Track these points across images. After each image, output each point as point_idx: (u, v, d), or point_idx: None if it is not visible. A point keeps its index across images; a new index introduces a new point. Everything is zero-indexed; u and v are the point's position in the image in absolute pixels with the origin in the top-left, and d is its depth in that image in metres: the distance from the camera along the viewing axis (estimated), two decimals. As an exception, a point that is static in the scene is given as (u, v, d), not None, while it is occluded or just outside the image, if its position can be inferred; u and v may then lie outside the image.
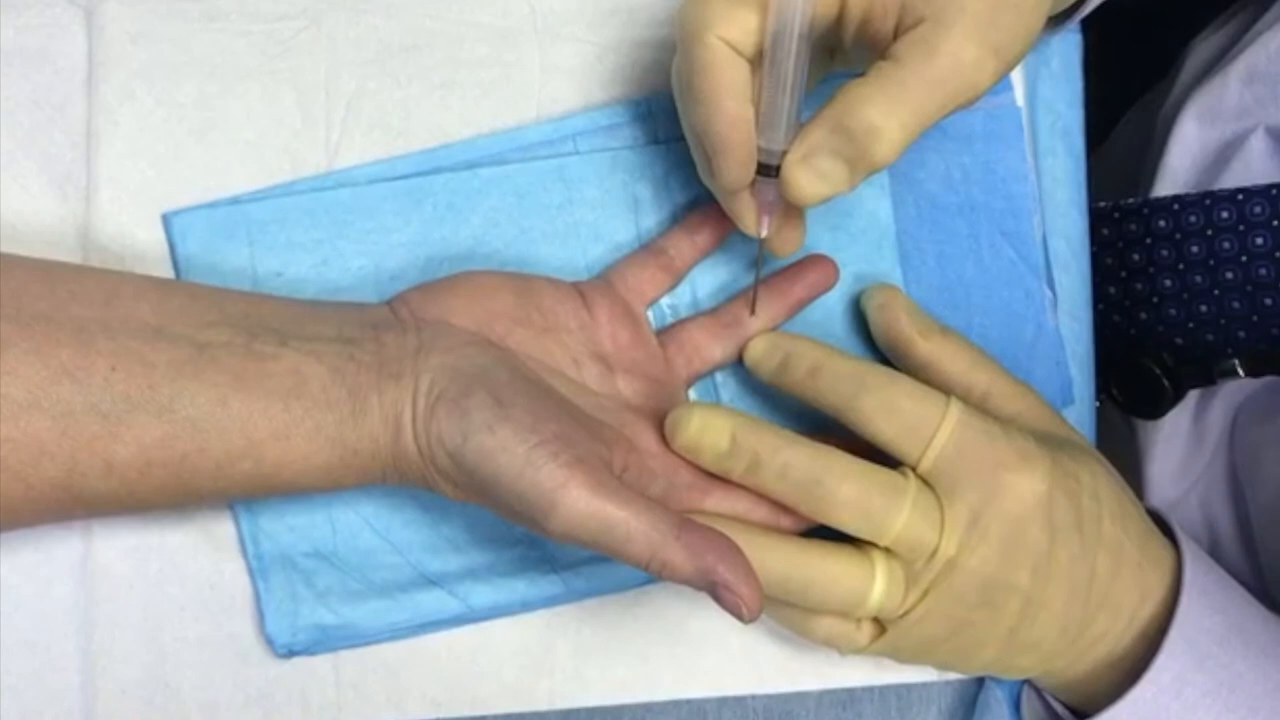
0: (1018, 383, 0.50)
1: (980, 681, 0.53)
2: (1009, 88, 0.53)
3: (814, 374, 0.46)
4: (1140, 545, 0.47)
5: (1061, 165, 0.53)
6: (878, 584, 0.44)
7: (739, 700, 0.53)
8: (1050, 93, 0.53)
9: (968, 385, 0.49)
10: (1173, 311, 0.60)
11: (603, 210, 0.51)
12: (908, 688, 0.53)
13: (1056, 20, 0.53)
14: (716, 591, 0.40)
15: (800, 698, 0.53)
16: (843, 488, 0.43)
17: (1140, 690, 0.46)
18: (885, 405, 0.44)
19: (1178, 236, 0.59)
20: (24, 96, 0.48)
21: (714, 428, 0.44)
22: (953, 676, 0.53)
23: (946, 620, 0.45)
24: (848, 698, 0.53)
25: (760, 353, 0.48)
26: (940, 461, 0.44)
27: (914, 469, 0.45)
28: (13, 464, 0.38)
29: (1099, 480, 0.47)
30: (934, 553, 0.44)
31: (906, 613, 0.45)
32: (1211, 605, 0.47)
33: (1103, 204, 0.61)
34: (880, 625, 0.47)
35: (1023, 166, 0.53)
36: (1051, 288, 0.53)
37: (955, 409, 0.45)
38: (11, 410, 0.38)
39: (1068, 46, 0.53)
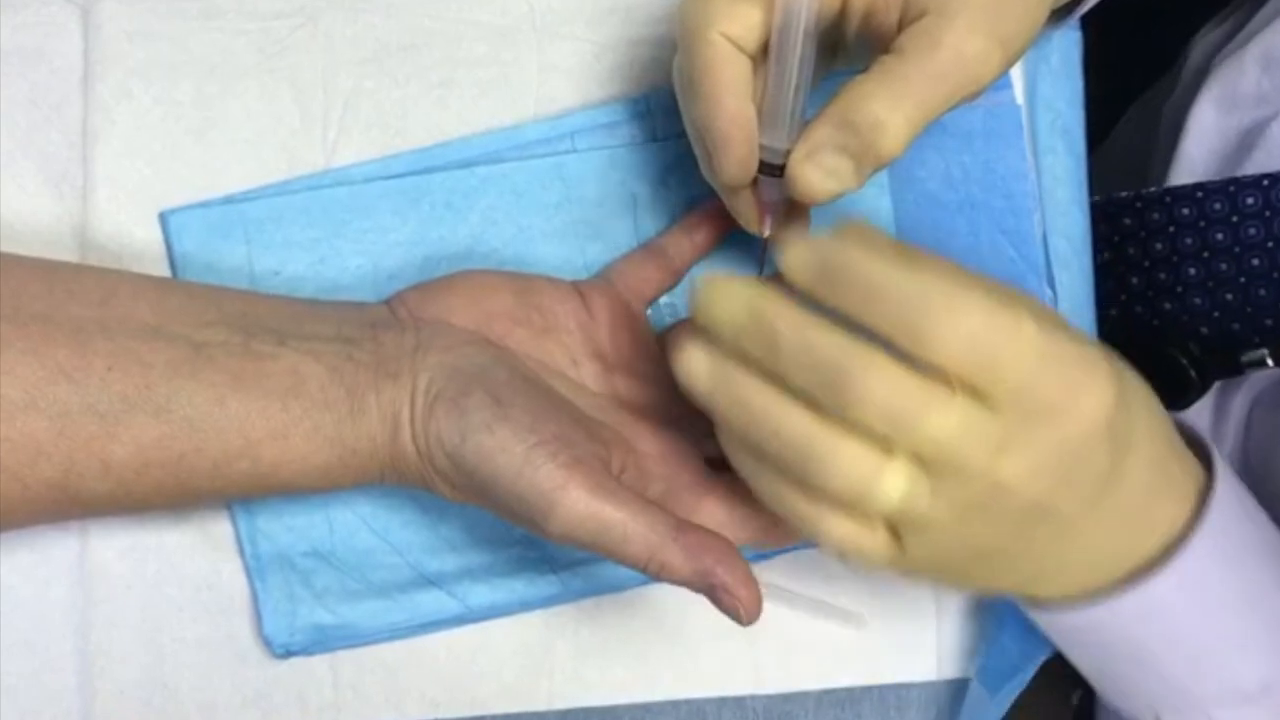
0: (1010, 288, 0.42)
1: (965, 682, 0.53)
2: (1008, 85, 0.53)
3: (868, 292, 0.38)
4: (1176, 457, 0.44)
5: (1062, 163, 0.53)
6: (893, 472, 0.38)
7: (738, 700, 0.53)
8: (1050, 91, 0.53)
9: None
10: (1198, 300, 0.59)
11: (601, 209, 0.51)
12: (906, 687, 0.53)
13: (1058, 15, 0.53)
14: (714, 593, 0.40)
15: (799, 698, 0.53)
16: (873, 381, 0.37)
17: (1156, 583, 0.42)
18: (955, 326, 0.37)
19: (1202, 224, 0.58)
20: (20, 95, 0.48)
21: (732, 295, 0.39)
22: (950, 676, 0.53)
23: (976, 540, 0.40)
24: (846, 698, 0.53)
25: (799, 261, 0.39)
26: (1001, 382, 0.37)
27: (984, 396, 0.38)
28: (9, 464, 0.38)
29: (1141, 391, 0.43)
30: (975, 466, 0.38)
31: (930, 523, 0.39)
32: (1244, 514, 0.45)
33: (1125, 193, 0.61)
34: (898, 539, 0.40)
35: (1022, 165, 0.53)
36: (1052, 286, 0.53)
37: (1028, 329, 0.37)
38: (8, 410, 0.38)
39: (1067, 44, 0.53)
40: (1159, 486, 0.43)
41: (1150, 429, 0.42)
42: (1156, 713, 0.48)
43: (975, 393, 0.38)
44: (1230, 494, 0.45)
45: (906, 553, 0.40)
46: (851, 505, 0.39)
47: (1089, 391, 0.38)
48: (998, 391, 0.37)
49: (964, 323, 0.37)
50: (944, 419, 0.37)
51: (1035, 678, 0.54)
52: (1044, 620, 0.48)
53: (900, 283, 0.38)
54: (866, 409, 0.37)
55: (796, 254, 0.39)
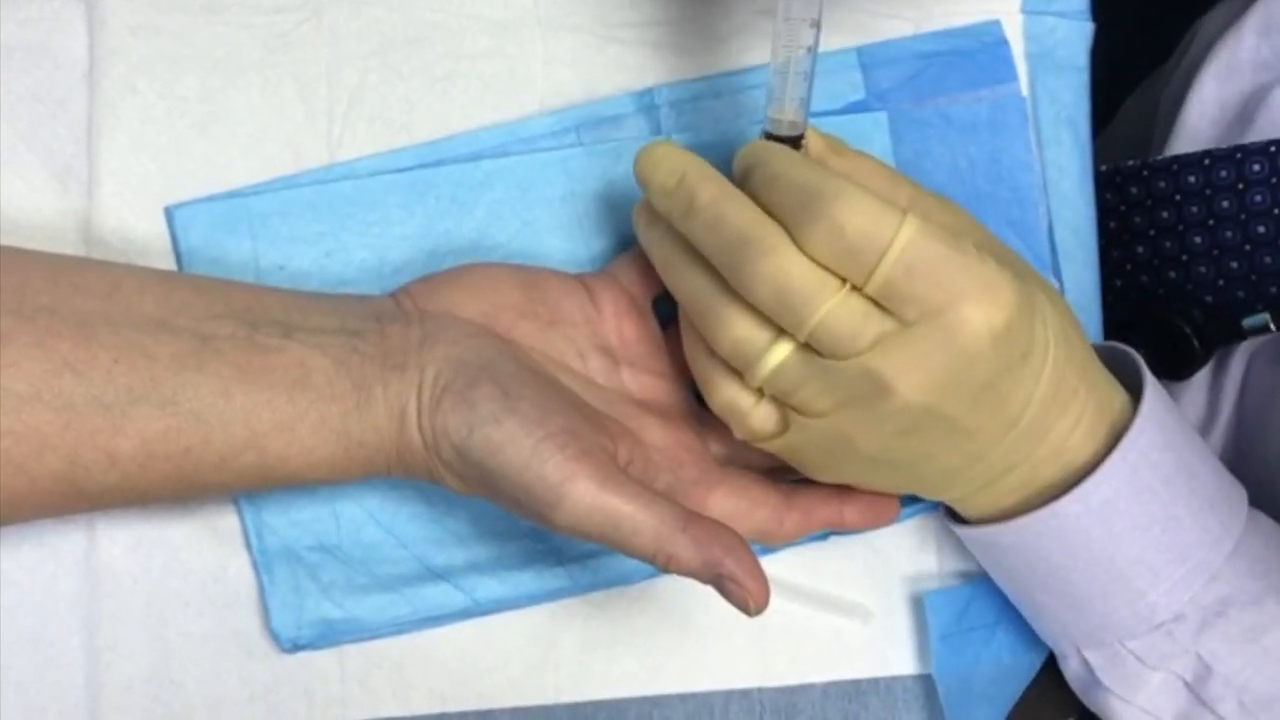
0: (944, 201, 0.47)
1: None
2: (1014, 78, 0.53)
3: (772, 180, 0.41)
4: (1081, 372, 0.44)
5: (1067, 155, 0.53)
6: (779, 349, 0.41)
7: (745, 693, 0.52)
8: (1055, 82, 0.53)
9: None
10: (1203, 269, 0.59)
11: (607, 202, 0.51)
12: (914, 679, 0.53)
13: None
14: (722, 585, 0.40)
15: (806, 690, 0.53)
16: (768, 259, 0.40)
17: (1065, 504, 0.44)
18: (831, 220, 0.39)
19: (1208, 192, 0.58)
20: (25, 91, 0.47)
21: (666, 159, 0.43)
22: (959, 669, 0.53)
23: (862, 438, 0.42)
24: (853, 690, 0.53)
25: (740, 156, 0.44)
26: (888, 285, 0.39)
27: (860, 290, 0.40)
28: (15, 457, 0.38)
29: (1053, 305, 0.44)
30: (857, 362, 0.40)
31: (807, 406, 0.42)
32: (1164, 442, 0.45)
33: (1131, 162, 0.61)
34: (783, 417, 0.43)
35: (1028, 156, 0.53)
36: (1058, 277, 0.53)
37: (909, 228, 0.39)
38: (13, 403, 0.38)
39: (1074, 35, 0.53)
40: (1061, 405, 0.43)
41: (1059, 350, 0.43)
42: (1075, 644, 0.48)
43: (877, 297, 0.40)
44: (1154, 423, 0.45)
45: (794, 434, 0.43)
46: (739, 368, 0.43)
47: (976, 301, 0.39)
48: (873, 288, 0.39)
49: (843, 215, 0.39)
50: (834, 311, 0.39)
51: (1038, 677, 0.54)
52: (964, 536, 0.49)
53: (798, 173, 0.41)
54: (757, 286, 0.40)
55: (741, 152, 0.44)
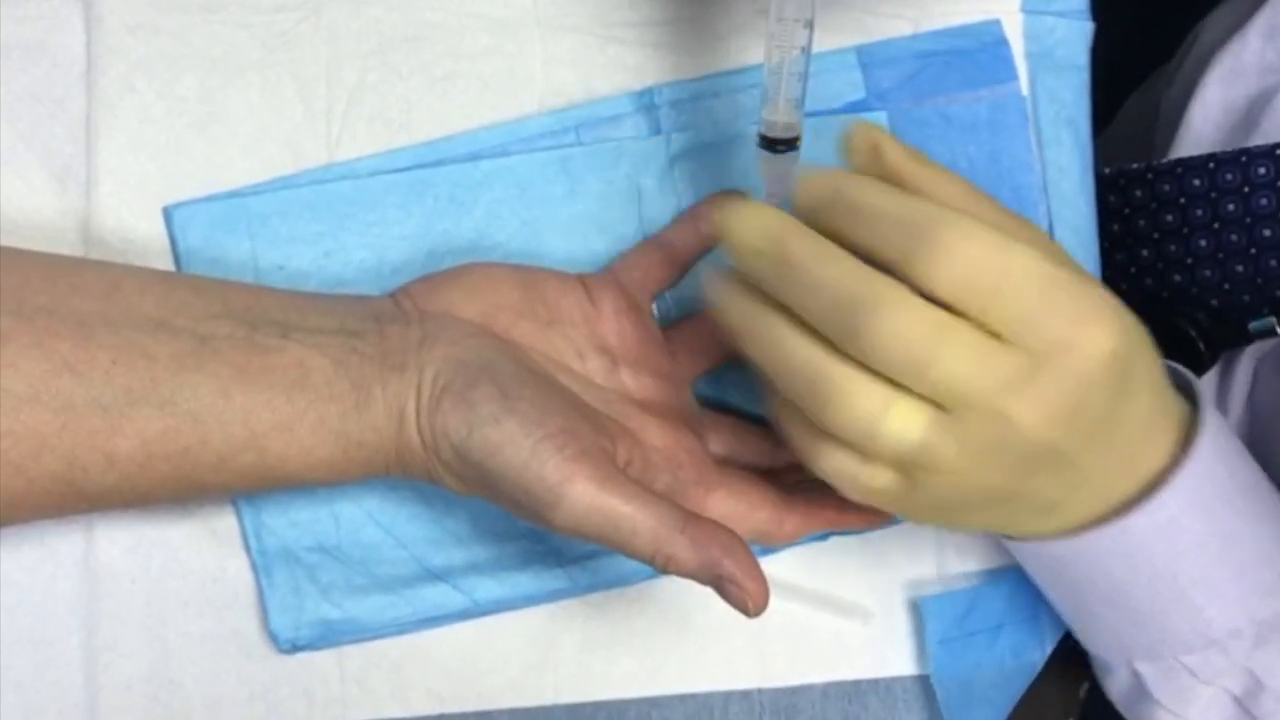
0: (1021, 219, 0.44)
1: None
2: (1014, 77, 0.53)
3: (867, 217, 0.38)
4: (1168, 394, 0.44)
5: (1067, 155, 0.53)
6: (902, 411, 0.37)
7: (744, 694, 0.52)
8: (1055, 82, 0.53)
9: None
10: (1208, 272, 0.59)
11: (606, 202, 0.50)
12: (914, 680, 0.53)
13: None
14: (722, 586, 0.40)
15: (806, 691, 0.53)
16: (884, 314, 0.36)
17: (1132, 519, 0.42)
18: (947, 251, 0.36)
19: (1213, 195, 0.58)
20: (23, 90, 0.47)
21: (753, 220, 0.39)
22: (959, 669, 0.53)
23: (987, 482, 0.39)
24: (853, 690, 0.53)
25: (811, 189, 0.40)
26: (1010, 317, 0.37)
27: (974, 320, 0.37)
28: (13, 458, 0.38)
29: (1138, 328, 0.41)
30: (986, 406, 0.37)
31: (940, 463, 0.38)
32: (1225, 463, 0.45)
33: (1135, 165, 0.61)
34: (905, 477, 0.40)
35: (1028, 156, 0.53)
36: (1058, 278, 0.53)
37: (1024, 255, 0.37)
38: (12, 404, 0.37)
39: (1074, 35, 0.53)
40: (1154, 427, 0.43)
41: (1149, 369, 0.42)
42: (1129, 656, 0.48)
43: (982, 326, 0.37)
44: (1214, 440, 0.44)
45: (915, 492, 0.40)
46: (858, 443, 0.39)
47: (1096, 325, 0.38)
48: (1002, 324, 0.37)
49: (964, 250, 0.36)
50: (959, 357, 0.36)
51: (1038, 678, 0.54)
52: (1022, 551, 0.47)
53: (901, 208, 0.38)
54: (879, 347, 0.37)
55: (807, 182, 0.40)
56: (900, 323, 0.36)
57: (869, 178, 0.40)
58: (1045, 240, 0.46)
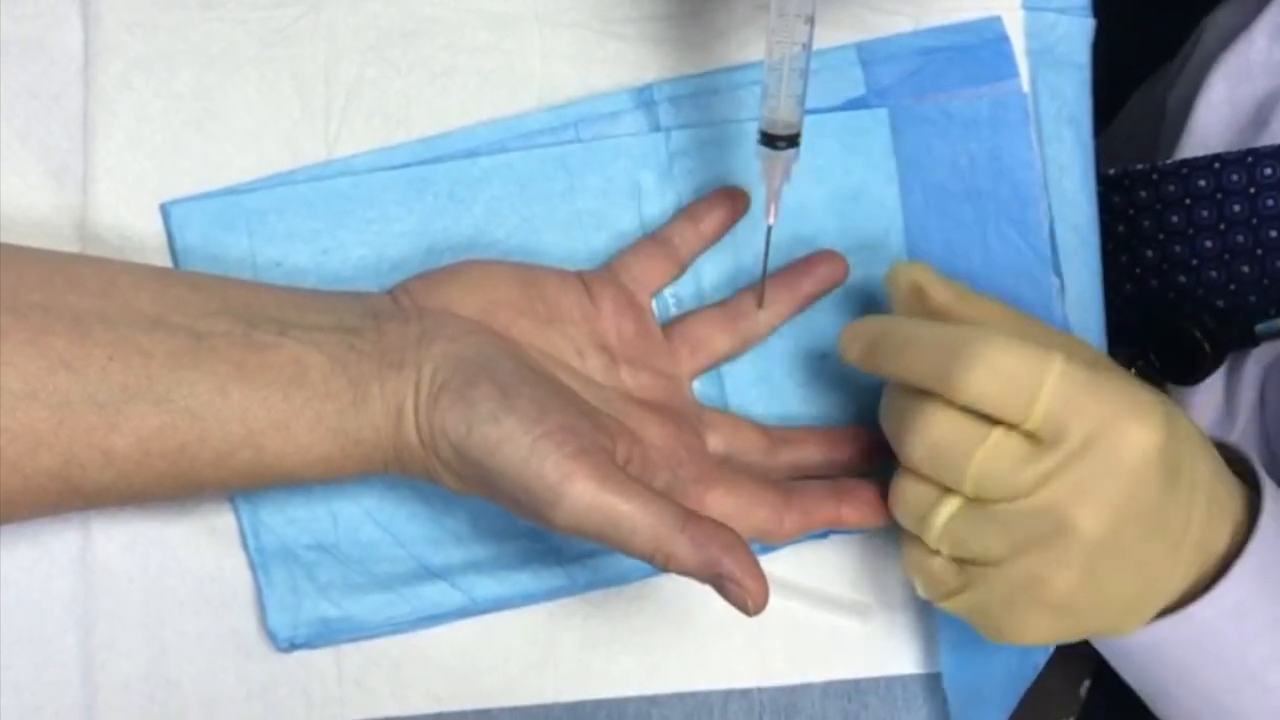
0: (1061, 333, 0.48)
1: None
2: (1015, 74, 0.53)
3: (905, 350, 0.43)
4: (1225, 484, 0.45)
5: (1068, 152, 0.53)
6: (947, 504, 0.43)
7: (744, 693, 0.52)
8: (1056, 78, 0.53)
9: None
10: (1213, 273, 0.59)
11: (605, 199, 0.50)
12: (914, 679, 0.53)
13: None
14: (721, 584, 0.40)
15: (806, 689, 0.52)
16: (917, 430, 0.42)
17: (1199, 609, 0.43)
18: (983, 366, 0.40)
19: (1219, 196, 0.58)
20: (20, 87, 0.47)
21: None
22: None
23: (1044, 584, 0.42)
24: (853, 689, 0.53)
25: (847, 338, 0.46)
26: (1048, 419, 0.40)
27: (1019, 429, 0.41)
28: (10, 455, 0.38)
29: (1191, 424, 0.44)
30: (1025, 498, 0.41)
31: (994, 562, 0.43)
32: None
33: (1140, 165, 0.60)
34: (965, 575, 0.44)
35: (1028, 154, 0.52)
36: (1059, 275, 0.52)
37: (1058, 361, 0.40)
38: (8, 401, 0.37)
39: (1076, 31, 0.53)
40: (1214, 516, 0.44)
41: (1200, 460, 0.43)
42: None
43: (1024, 433, 0.41)
44: (1275, 521, 0.45)
45: (972, 589, 0.44)
46: (917, 534, 0.44)
47: (1135, 420, 0.40)
48: (1042, 430, 0.40)
49: (990, 362, 0.40)
50: (990, 458, 0.41)
51: (1044, 669, 0.53)
52: (1095, 641, 0.48)
53: (927, 336, 0.43)
54: (912, 451, 0.43)
55: (844, 336, 0.46)
56: (930, 426, 0.42)
57: (904, 318, 0.46)
58: (1087, 351, 0.48)
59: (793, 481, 0.48)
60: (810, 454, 0.49)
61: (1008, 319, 0.47)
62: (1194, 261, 0.59)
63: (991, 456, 0.41)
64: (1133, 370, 0.53)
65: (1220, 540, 0.44)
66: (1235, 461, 0.48)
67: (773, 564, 0.51)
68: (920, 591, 0.46)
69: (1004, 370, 0.40)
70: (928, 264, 0.47)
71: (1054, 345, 0.41)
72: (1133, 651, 0.47)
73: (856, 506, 0.47)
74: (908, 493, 0.44)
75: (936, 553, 0.44)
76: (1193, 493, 0.43)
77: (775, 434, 0.49)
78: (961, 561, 0.44)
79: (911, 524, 0.44)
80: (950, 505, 0.43)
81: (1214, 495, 0.44)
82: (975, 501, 0.42)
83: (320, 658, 0.49)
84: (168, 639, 0.48)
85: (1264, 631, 0.44)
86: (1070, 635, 0.45)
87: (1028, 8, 0.52)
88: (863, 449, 0.50)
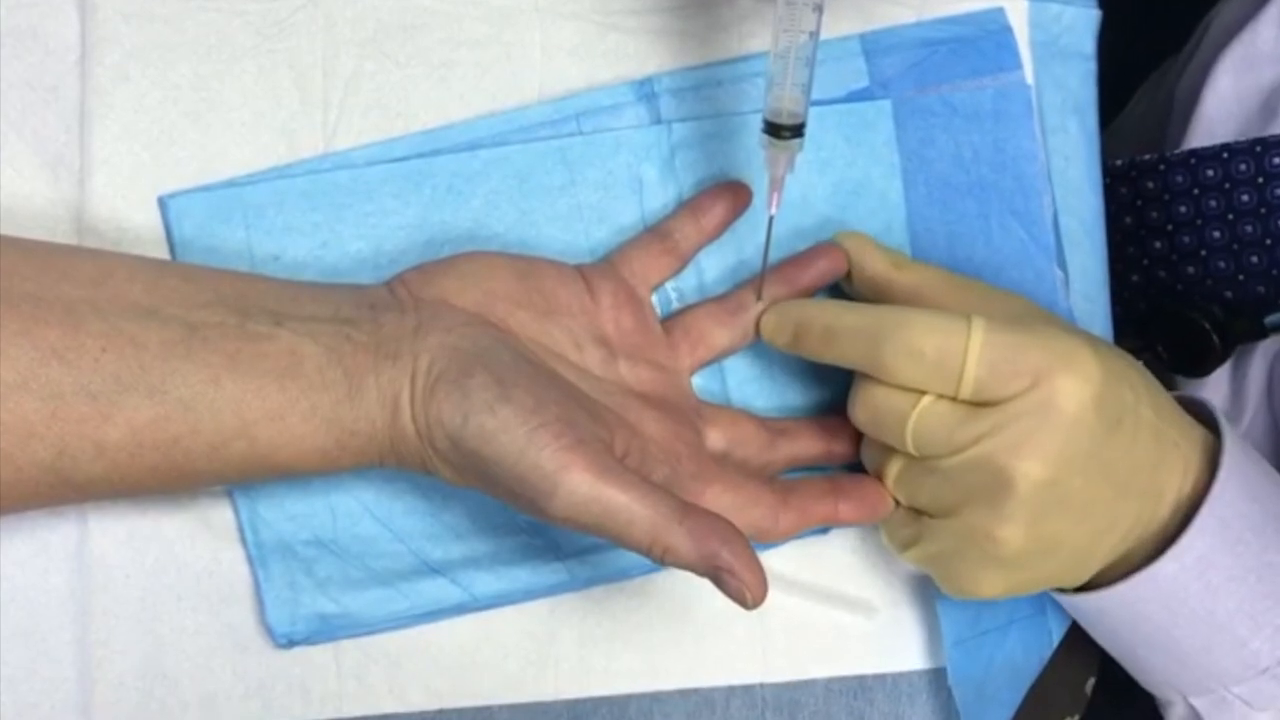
0: (1010, 295, 0.49)
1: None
2: (1018, 66, 0.52)
3: (828, 338, 0.45)
4: (1176, 426, 0.46)
5: (1073, 143, 0.53)
6: (895, 460, 0.46)
7: (747, 689, 0.52)
8: (1061, 69, 0.52)
9: (957, 308, 0.46)
10: (1221, 264, 0.59)
11: (606, 192, 0.50)
12: (920, 674, 0.52)
13: None
14: (720, 577, 0.40)
15: (808, 686, 0.52)
16: (855, 408, 0.45)
17: (1162, 565, 0.44)
18: (905, 349, 0.43)
19: (1227, 186, 0.58)
20: (16, 78, 0.47)
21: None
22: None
23: (994, 535, 0.43)
24: (857, 685, 0.52)
25: (772, 326, 0.48)
26: (979, 386, 0.42)
27: (957, 399, 0.43)
28: (2, 446, 0.37)
29: (1133, 368, 0.45)
30: (963, 452, 0.43)
31: (943, 513, 0.45)
32: (1249, 492, 0.45)
33: (1147, 156, 0.60)
34: (919, 525, 0.47)
35: (1032, 145, 0.52)
36: (1063, 267, 0.52)
37: (979, 330, 0.42)
38: (0, 392, 0.37)
39: (1080, 22, 0.53)
40: (1166, 462, 0.45)
41: (1145, 404, 0.44)
42: (1181, 693, 0.48)
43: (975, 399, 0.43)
44: (1237, 472, 0.45)
45: (924, 539, 0.46)
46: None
47: (1066, 372, 0.42)
48: (966, 394, 0.42)
49: (910, 346, 0.42)
50: (912, 415, 0.43)
51: (1049, 665, 0.53)
52: (1064, 602, 0.49)
53: (848, 323, 0.44)
54: (860, 419, 0.46)
55: (768, 321, 0.48)
56: (870, 404, 0.44)
57: (823, 300, 0.48)
58: (1015, 303, 0.49)
59: (791, 479, 0.48)
60: (809, 446, 0.49)
61: (944, 283, 0.48)
62: (1202, 252, 0.59)
63: (926, 420, 0.43)
64: (1141, 362, 0.53)
65: (1172, 483, 0.45)
66: (1195, 407, 0.48)
67: (775, 559, 0.51)
68: (884, 540, 0.49)
69: (926, 351, 0.42)
70: (865, 234, 0.49)
71: (977, 310, 0.43)
72: (1102, 612, 0.47)
73: (854, 503, 0.47)
74: (866, 448, 0.48)
75: (897, 503, 0.47)
76: (1135, 434, 0.43)
77: (774, 427, 0.49)
78: (918, 512, 0.47)
79: (872, 474, 0.48)
80: (898, 462, 0.46)
81: (1161, 436, 0.44)
82: (920, 459, 0.44)
83: (319, 654, 0.49)
84: (165, 634, 0.48)
85: (1229, 585, 0.45)
86: (1023, 589, 0.46)
87: (1031, -1, 0.52)
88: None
